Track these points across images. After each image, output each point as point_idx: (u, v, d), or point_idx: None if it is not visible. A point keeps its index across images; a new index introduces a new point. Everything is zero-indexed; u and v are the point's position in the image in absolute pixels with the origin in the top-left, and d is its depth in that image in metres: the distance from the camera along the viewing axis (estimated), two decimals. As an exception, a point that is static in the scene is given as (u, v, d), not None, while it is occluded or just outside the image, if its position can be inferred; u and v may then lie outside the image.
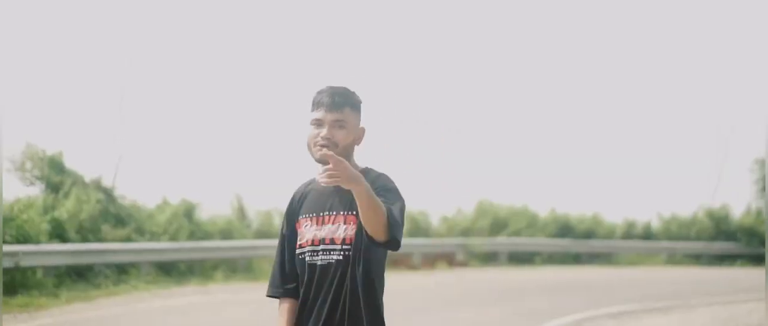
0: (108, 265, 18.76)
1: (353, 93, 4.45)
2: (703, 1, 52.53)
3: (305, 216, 4.42)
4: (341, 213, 4.32)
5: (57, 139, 28.99)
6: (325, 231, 4.33)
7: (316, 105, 4.37)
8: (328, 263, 4.28)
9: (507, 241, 30.66)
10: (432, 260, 27.94)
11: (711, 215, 37.83)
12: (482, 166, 45.96)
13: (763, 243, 36.87)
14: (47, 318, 13.96)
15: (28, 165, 21.06)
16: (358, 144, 4.45)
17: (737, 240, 36.89)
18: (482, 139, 49.00)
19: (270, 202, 27.82)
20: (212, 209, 24.97)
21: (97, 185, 21.26)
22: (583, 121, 55.19)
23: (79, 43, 35.99)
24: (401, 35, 50.81)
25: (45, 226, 17.92)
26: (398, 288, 20.87)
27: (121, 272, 19.05)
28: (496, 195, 34.35)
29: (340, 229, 4.30)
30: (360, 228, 4.19)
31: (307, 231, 4.39)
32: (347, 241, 4.27)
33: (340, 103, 4.35)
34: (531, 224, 33.19)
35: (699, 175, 54.00)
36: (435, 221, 31.64)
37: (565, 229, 33.81)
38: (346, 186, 3.96)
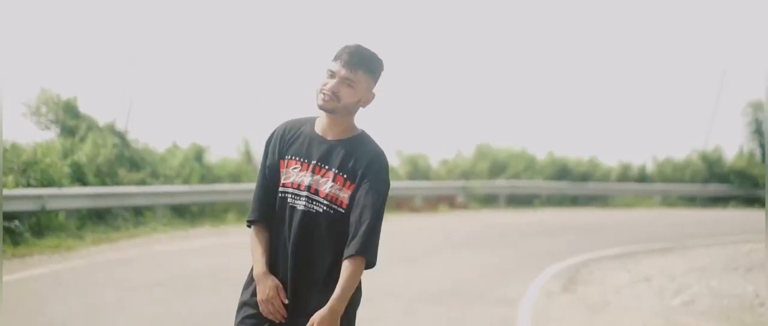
0: (126, 208, 19.24)
1: (375, 58, 4.52)
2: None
3: (294, 159, 4.50)
4: (332, 170, 4.42)
5: (70, 84, 29.41)
6: (312, 180, 4.42)
7: (337, 57, 4.46)
8: (308, 211, 4.38)
9: (506, 184, 31.21)
10: (433, 202, 28.48)
11: (704, 157, 38.41)
12: (481, 110, 46.50)
13: (755, 185, 37.51)
14: (78, 260, 14.38)
15: (43, 109, 21.47)
16: (363, 106, 4.52)
17: (730, 181, 37.49)
18: (481, 83, 49.49)
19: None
20: (220, 152, 25.46)
21: (111, 129, 21.69)
22: (579, 66, 55.55)
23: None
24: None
25: (66, 170, 18.44)
26: (403, 229, 21.50)
27: (138, 214, 19.55)
28: (495, 139, 34.97)
29: (328, 185, 4.39)
30: (352, 197, 4.38)
31: (294, 173, 4.47)
32: (330, 198, 4.37)
33: (356, 63, 4.43)
34: (529, 167, 33.75)
35: (692, 119, 54.65)
36: (435, 164, 32.14)
37: (562, 172, 34.41)
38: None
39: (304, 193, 4.41)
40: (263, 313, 4.41)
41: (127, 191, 19.29)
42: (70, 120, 21.26)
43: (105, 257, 14.77)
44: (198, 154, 23.47)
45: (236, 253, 15.82)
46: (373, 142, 4.57)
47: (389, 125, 41.94)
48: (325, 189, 4.39)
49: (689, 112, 56.78)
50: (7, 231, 15.25)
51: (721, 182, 37.41)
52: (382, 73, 4.58)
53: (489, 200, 30.38)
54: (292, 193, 4.44)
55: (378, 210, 4.39)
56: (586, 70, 54.22)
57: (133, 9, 35.47)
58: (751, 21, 57.14)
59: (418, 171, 30.65)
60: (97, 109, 22.68)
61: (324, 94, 4.40)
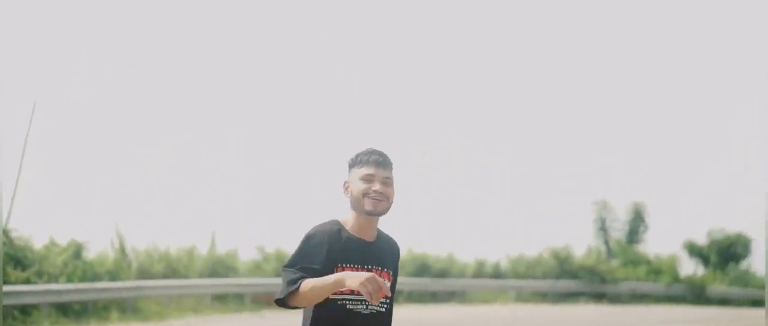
0: (15, 307, 19.36)
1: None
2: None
3: (350, 266, 4.64)
4: (385, 270, 4.76)
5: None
6: None
7: (365, 163, 4.70)
8: (371, 313, 4.63)
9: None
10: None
11: (555, 255, 39.93)
12: (343, 208, 47.21)
13: (603, 281, 39.19)
14: None
15: None
16: None
17: (579, 278, 39.05)
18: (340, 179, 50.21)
19: (145, 241, 28.63)
20: (95, 247, 25.57)
21: (-4, 227, 21.77)
22: (434, 162, 56.85)
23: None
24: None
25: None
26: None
27: (26, 313, 19.66)
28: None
29: (386, 286, 4.46)
30: (393, 287, 4.82)
31: None
32: (387, 297, 4.63)
33: (389, 163, 4.76)
34: (391, 263, 34.65)
35: (543, 217, 56.41)
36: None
37: (422, 268, 35.43)
38: None
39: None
40: (368, 295, 4.34)
41: (16, 290, 19.40)
42: (-46, 218, 21.28)
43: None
44: (77, 251, 23.63)
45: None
46: (383, 232, 4.93)
47: (256, 219, 42.45)
48: (385, 290, 4.49)
49: (539, 211, 58.41)
50: None
51: (570, 278, 38.94)
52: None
53: (356, 295, 31.02)
54: (350, 300, 4.62)
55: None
56: (441, 166, 55.61)
57: None
58: (596, 118, 59.71)
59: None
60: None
61: (373, 198, 4.67)
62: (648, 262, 44.38)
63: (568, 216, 57.92)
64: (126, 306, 22.67)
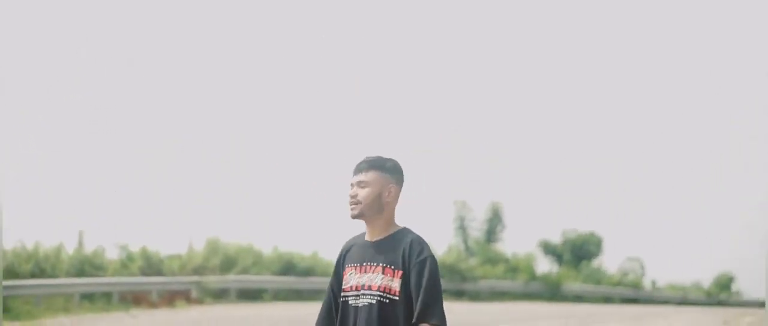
0: None
1: (384, 159, 5.16)
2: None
3: (349, 266, 5.12)
4: (380, 264, 5.00)
5: None
6: (365, 278, 5.01)
7: (354, 172, 5.15)
8: (364, 305, 4.96)
9: (237, 278, 32.26)
10: (169, 297, 29.17)
11: (417, 254, 40.66)
12: (210, 204, 47.31)
13: (463, 279, 40.11)
14: None
15: None
16: (390, 200, 5.12)
17: (440, 276, 39.85)
18: (210, 178, 50.25)
19: (12, 240, 28.44)
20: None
21: None
22: (301, 164, 57.24)
23: None
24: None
25: None
26: (157, 324, 22.19)
27: None
28: (223, 234, 35.97)
29: (378, 278, 4.97)
30: (404, 283, 4.95)
31: (351, 278, 5.08)
32: (382, 289, 4.95)
33: (365, 167, 5.10)
34: (257, 262, 34.97)
35: (405, 215, 57.20)
36: (166, 259, 32.71)
37: (288, 267, 35.81)
38: None
39: (360, 292, 5.01)
40: None
41: None
42: None
43: None
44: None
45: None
46: (413, 232, 5.14)
47: (120, 219, 42.29)
48: (376, 282, 4.97)
49: (399, 209, 59.18)
50: None
51: (432, 276, 39.68)
52: (403, 175, 5.20)
53: (220, 295, 31.30)
54: (351, 296, 5.05)
55: (432, 281, 4.95)
56: (304, 164, 55.95)
57: None
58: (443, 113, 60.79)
59: (151, 266, 31.26)
60: None
61: (349, 204, 5.10)
62: (506, 260, 45.60)
63: (428, 215, 58.96)
64: (-6, 305, 22.54)
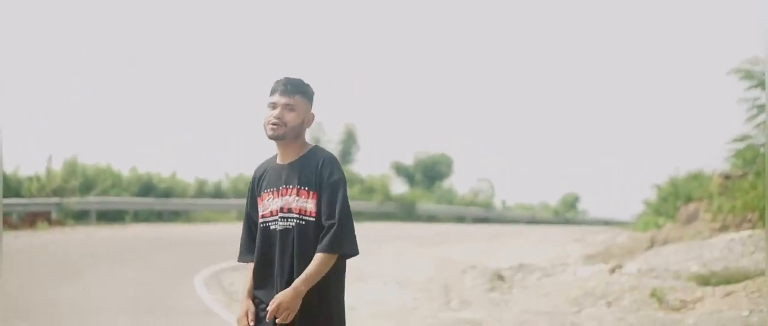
0: None
1: (305, 83, 5.11)
2: None
3: (267, 191, 5.10)
4: (295, 186, 5.01)
5: None
6: (283, 201, 5.02)
7: (272, 91, 5.05)
8: (285, 228, 4.99)
9: (98, 200, 32.01)
10: (30, 219, 28.81)
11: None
12: (71, 125, 46.59)
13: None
14: None
15: None
16: (307, 126, 5.13)
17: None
18: (78, 98, 49.36)
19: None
20: None
21: None
22: (159, 87, 56.67)
23: None
24: None
25: None
26: (16, 247, 21.87)
27: None
28: (82, 155, 35.61)
29: (294, 200, 5.00)
30: (318, 204, 4.97)
31: (270, 203, 5.07)
32: (300, 211, 4.99)
33: (292, 90, 5.02)
34: (116, 183, 34.78)
35: (260, 138, 57.43)
36: (25, 180, 32.22)
37: (147, 188, 35.73)
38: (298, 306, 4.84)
39: (278, 216, 5.02)
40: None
41: None
42: None
43: None
44: None
45: None
46: (324, 150, 5.19)
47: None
48: (294, 205, 5.01)
49: (256, 130, 59.35)
50: None
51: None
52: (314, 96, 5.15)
53: (81, 216, 31.06)
54: (270, 221, 5.06)
55: (342, 206, 5.00)
56: (161, 87, 55.44)
57: None
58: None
59: (9, 188, 30.78)
60: None
61: (271, 124, 5.01)
62: (361, 181, 46.11)
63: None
64: None
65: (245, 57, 60.24)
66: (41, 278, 15.77)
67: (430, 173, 53.06)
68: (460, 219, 46.03)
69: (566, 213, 53.72)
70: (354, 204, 41.81)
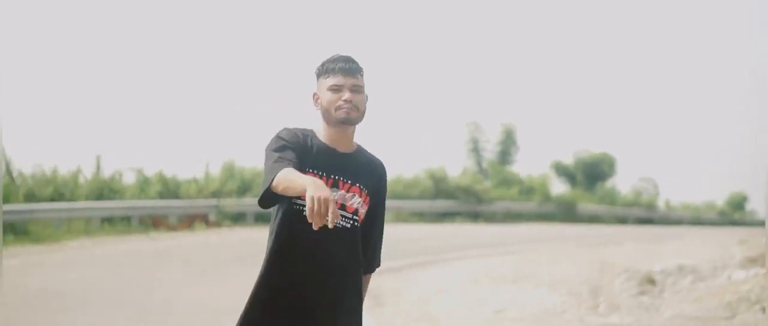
0: None
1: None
2: None
3: (314, 172, 4.35)
4: (357, 185, 4.43)
5: None
6: (338, 195, 4.38)
7: (332, 72, 4.41)
8: (336, 226, 4.14)
9: (255, 202, 32.15)
10: (188, 221, 29.23)
11: (431, 175, 40.74)
12: (228, 130, 47.37)
13: (479, 201, 40.18)
14: None
15: None
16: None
17: (455, 198, 39.96)
18: (227, 105, 50.26)
19: (31, 165, 28.53)
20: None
21: None
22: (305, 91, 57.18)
23: None
24: None
25: None
26: (177, 246, 22.26)
27: None
28: (240, 158, 36.03)
29: (354, 199, 4.42)
30: (368, 212, 4.53)
31: None
32: (358, 214, 4.46)
33: (356, 69, 4.44)
34: (266, 188, 34.99)
35: (418, 137, 57.31)
36: (183, 183, 32.74)
37: (305, 190, 35.87)
38: None
39: None
40: (309, 211, 3.83)
41: None
42: None
43: None
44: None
45: (56, 272, 16.27)
46: (370, 154, 4.66)
47: (137, 142, 42.35)
48: (353, 204, 4.43)
49: (415, 131, 59.25)
50: None
51: (447, 198, 39.82)
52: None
53: (238, 218, 31.38)
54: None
55: (383, 225, 4.70)
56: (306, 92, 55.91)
57: None
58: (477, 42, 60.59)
59: (168, 190, 31.31)
60: None
61: (343, 109, 4.39)
62: (520, 182, 45.55)
63: (442, 137, 58.89)
64: (18, 229, 22.61)
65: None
66: (192, 276, 15.91)
67: (591, 173, 52.06)
68: (622, 220, 45.04)
69: (733, 214, 52.05)
70: (513, 206, 41.68)
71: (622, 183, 68.06)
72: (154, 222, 27.79)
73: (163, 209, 28.71)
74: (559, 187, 49.66)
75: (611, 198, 48.66)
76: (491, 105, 64.16)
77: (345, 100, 4.37)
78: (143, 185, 31.22)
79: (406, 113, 63.04)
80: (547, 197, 44.34)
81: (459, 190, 40.14)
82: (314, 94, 4.52)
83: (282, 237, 4.41)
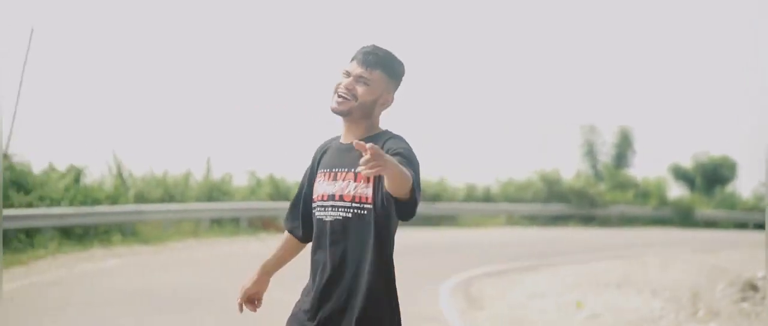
0: (19, 230, 19.55)
1: (394, 58, 4.37)
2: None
3: (321, 171, 4.38)
4: (351, 170, 4.24)
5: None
6: (336, 187, 4.28)
7: (353, 58, 4.33)
8: (336, 219, 4.24)
9: (364, 204, 32.19)
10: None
11: (544, 178, 40.33)
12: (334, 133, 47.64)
13: (592, 204, 39.59)
14: (13, 282, 14.70)
15: (-74, 131, 21.64)
16: (385, 108, 4.38)
17: (569, 201, 39.46)
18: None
19: (142, 167, 28.92)
20: (94, 172, 25.81)
21: (-2, 152, 21.94)
22: (427, 94, 57.14)
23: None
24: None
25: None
26: (245, 251, 22.08)
27: (28, 237, 19.84)
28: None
29: (350, 186, 4.24)
30: (377, 189, 4.16)
31: (320, 185, 4.36)
32: (357, 199, 4.22)
33: (372, 62, 4.28)
34: (387, 188, 34.93)
35: (532, 140, 56.84)
36: (293, 185, 32.84)
37: (414, 192, 35.80)
38: (384, 173, 3.77)
39: (329, 203, 4.28)
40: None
41: (20, 213, 19.57)
42: (-46, 143, 21.47)
43: (30, 280, 15.08)
44: (77, 176, 23.81)
45: (152, 274, 16.41)
46: (394, 134, 4.38)
47: (252, 147, 42.69)
48: (349, 191, 4.25)
49: (529, 133, 58.69)
50: None
51: (560, 202, 39.35)
52: (404, 77, 4.43)
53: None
54: (319, 206, 4.34)
55: (415, 161, 4.17)
56: (432, 94, 55.82)
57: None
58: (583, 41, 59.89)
59: (278, 192, 31.45)
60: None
61: (338, 94, 4.30)
62: (636, 186, 44.78)
63: (556, 139, 58.26)
64: (126, 229, 22.86)
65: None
66: (302, 280, 15.82)
67: (711, 177, 50.92)
68: (742, 225, 43.91)
69: None
70: (628, 209, 40.98)
71: (743, 187, 66.48)
72: (263, 224, 27.88)
73: (272, 211, 28.81)
74: (676, 191, 48.71)
75: (731, 202, 47.48)
76: (607, 107, 63.20)
77: (343, 87, 4.28)
78: (255, 187, 31.41)
79: (519, 115, 62.46)
80: (663, 201, 43.51)
81: (572, 193, 39.65)
82: None
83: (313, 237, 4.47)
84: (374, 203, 4.18)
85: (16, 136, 22.09)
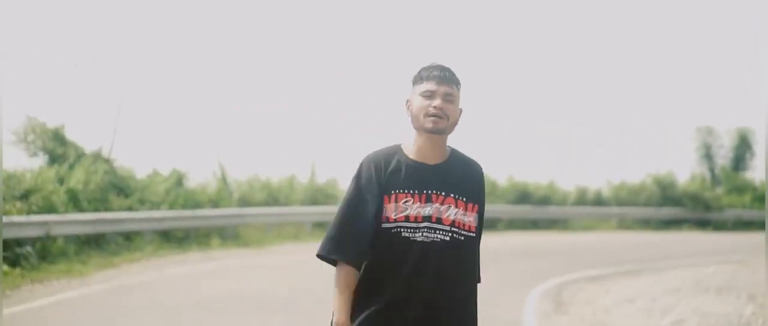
0: (119, 233, 19.77)
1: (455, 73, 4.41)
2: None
3: (402, 192, 4.26)
4: (451, 195, 4.26)
5: (53, 112, 29.84)
6: (431, 209, 4.23)
7: (426, 78, 4.30)
8: (432, 241, 4.20)
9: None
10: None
11: (658, 181, 39.52)
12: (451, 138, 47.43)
13: (707, 208, 38.66)
14: (95, 285, 14.87)
15: (31, 137, 22.02)
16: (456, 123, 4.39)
17: (683, 205, 38.60)
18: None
19: (247, 172, 29.10)
20: (197, 177, 26.07)
21: (98, 156, 22.25)
22: (538, 95, 56.58)
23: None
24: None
25: (63, 197, 18.96)
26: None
27: (128, 240, 20.07)
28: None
29: (450, 211, 4.24)
30: (480, 218, 4.34)
31: (409, 206, 4.23)
32: (457, 225, 4.24)
33: (451, 78, 4.32)
34: (491, 191, 34.64)
35: (645, 143, 55.83)
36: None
37: (522, 196, 35.39)
38: None
39: (424, 224, 4.21)
40: None
41: (121, 217, 19.76)
42: (58, 147, 21.79)
43: (119, 282, 15.17)
44: (179, 180, 24.04)
45: (246, 277, 16.41)
46: (466, 155, 4.47)
47: (357, 152, 42.80)
48: (449, 216, 4.24)
49: (642, 138, 57.72)
50: (18, 257, 15.72)
51: (674, 205, 38.53)
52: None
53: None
54: (406, 227, 4.21)
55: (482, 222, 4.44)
56: (543, 96, 55.22)
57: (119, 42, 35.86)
58: (700, 45, 58.61)
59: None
60: (81, 136, 23.14)
61: (431, 116, 4.26)
62: (754, 189, 43.62)
63: (670, 142, 57.18)
64: (227, 233, 22.98)
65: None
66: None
67: (834, 180, 49.40)
68: None
69: None
70: (745, 213, 39.89)
71: None
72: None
73: (315, 215, 28.71)
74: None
75: None
76: (723, 108, 61.83)
77: (435, 107, 4.26)
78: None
79: (633, 117, 61.43)
80: (783, 205, 42.26)
81: (687, 197, 38.79)
82: (407, 101, 4.40)
83: (383, 256, 4.29)
84: (477, 232, 4.34)
85: (118, 141, 22.39)
